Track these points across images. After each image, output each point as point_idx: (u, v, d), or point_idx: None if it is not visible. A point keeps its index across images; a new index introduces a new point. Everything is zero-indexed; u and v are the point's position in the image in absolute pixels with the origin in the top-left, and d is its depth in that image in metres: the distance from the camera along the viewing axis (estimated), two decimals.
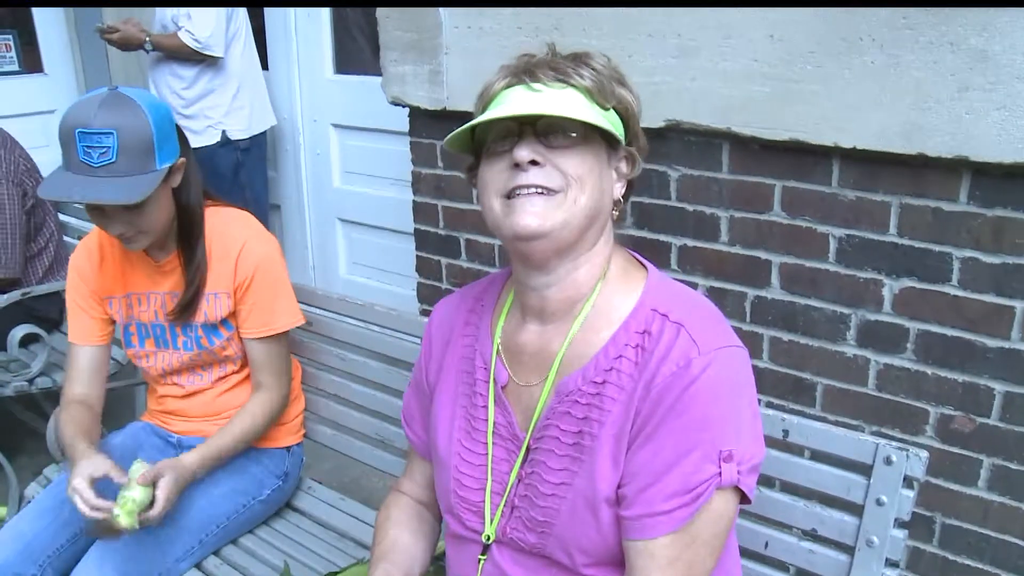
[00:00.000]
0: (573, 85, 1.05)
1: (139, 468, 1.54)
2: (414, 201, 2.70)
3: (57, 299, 2.83)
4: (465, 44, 2.34)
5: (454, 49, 2.38)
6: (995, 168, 1.67)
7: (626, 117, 1.12)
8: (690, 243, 2.14)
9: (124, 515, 1.48)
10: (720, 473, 0.99)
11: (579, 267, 1.10)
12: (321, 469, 2.65)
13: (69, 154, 1.51)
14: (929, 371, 1.87)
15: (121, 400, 1.69)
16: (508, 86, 1.08)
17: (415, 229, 2.73)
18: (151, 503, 1.53)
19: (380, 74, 2.62)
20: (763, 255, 2.03)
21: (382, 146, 3.58)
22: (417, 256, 2.75)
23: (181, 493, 1.63)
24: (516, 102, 1.05)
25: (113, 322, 1.84)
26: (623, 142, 1.11)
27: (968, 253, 1.76)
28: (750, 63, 1.89)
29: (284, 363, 1.83)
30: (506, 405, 1.16)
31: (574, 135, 1.04)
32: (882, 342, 1.91)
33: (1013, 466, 1.81)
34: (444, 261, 2.67)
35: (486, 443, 1.17)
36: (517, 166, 1.03)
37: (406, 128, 2.66)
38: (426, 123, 2.57)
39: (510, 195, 1.04)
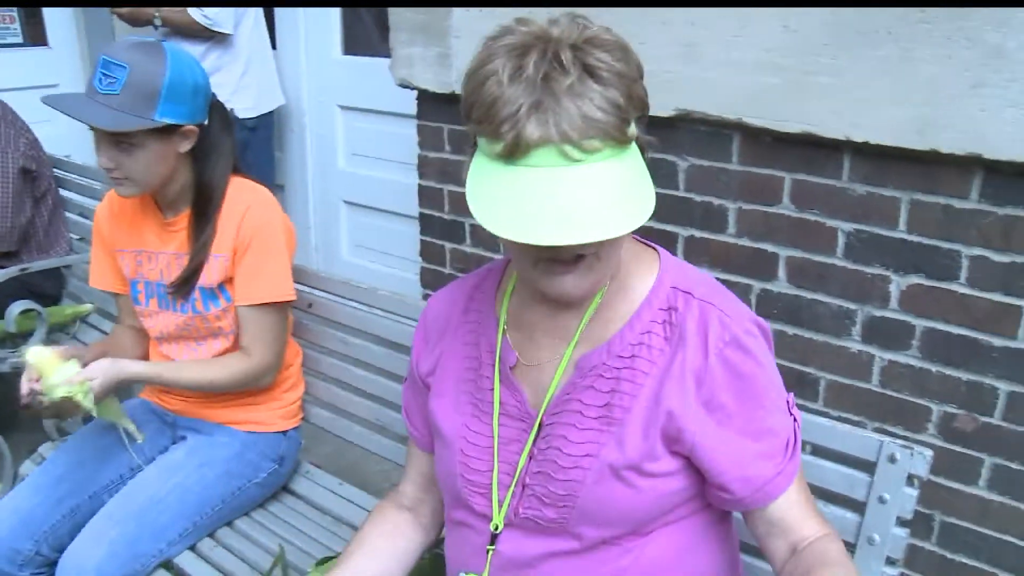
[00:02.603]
0: (609, 138, 0.95)
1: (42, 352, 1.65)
2: (419, 185, 2.68)
3: (56, 275, 2.82)
4: (475, 27, 2.32)
5: (464, 32, 2.36)
6: (1008, 166, 1.65)
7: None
8: (697, 234, 2.12)
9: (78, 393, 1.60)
10: (796, 419, 1.11)
11: None
12: (320, 453, 2.65)
13: (89, 79, 1.60)
14: (933, 369, 1.86)
15: None
16: (538, 144, 0.90)
17: (420, 213, 2.72)
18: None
19: (388, 56, 2.60)
20: (770, 248, 2.02)
21: (388, 129, 3.55)
22: (421, 240, 2.74)
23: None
24: (545, 193, 0.91)
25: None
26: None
27: (977, 251, 1.75)
28: (763, 54, 1.87)
29: (272, 335, 1.78)
30: (515, 384, 1.15)
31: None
32: (887, 338, 1.90)
33: (1014, 466, 1.81)
34: (448, 246, 2.66)
35: (492, 425, 1.16)
36: None
37: (413, 111, 2.64)
38: (434, 106, 2.55)
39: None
